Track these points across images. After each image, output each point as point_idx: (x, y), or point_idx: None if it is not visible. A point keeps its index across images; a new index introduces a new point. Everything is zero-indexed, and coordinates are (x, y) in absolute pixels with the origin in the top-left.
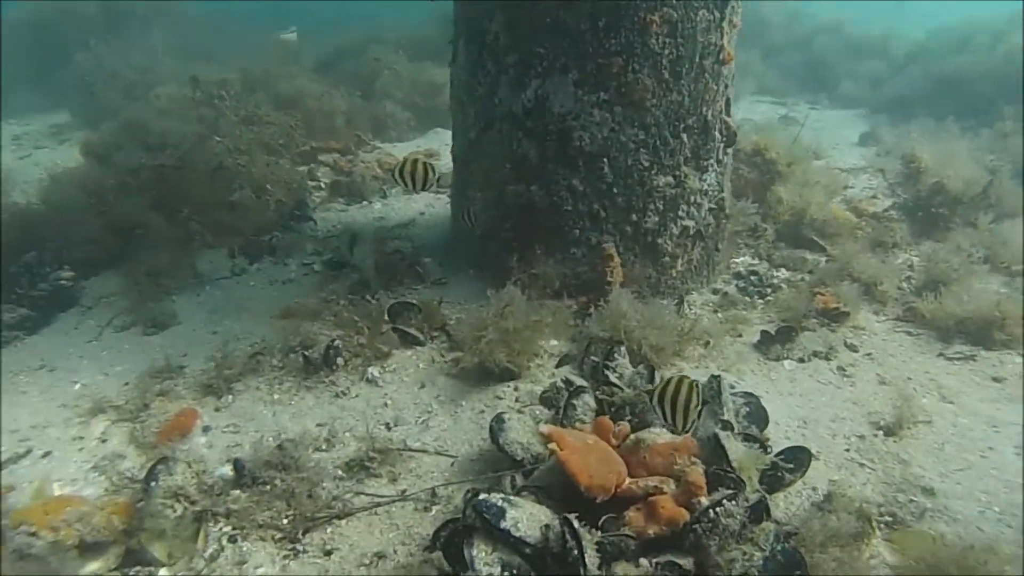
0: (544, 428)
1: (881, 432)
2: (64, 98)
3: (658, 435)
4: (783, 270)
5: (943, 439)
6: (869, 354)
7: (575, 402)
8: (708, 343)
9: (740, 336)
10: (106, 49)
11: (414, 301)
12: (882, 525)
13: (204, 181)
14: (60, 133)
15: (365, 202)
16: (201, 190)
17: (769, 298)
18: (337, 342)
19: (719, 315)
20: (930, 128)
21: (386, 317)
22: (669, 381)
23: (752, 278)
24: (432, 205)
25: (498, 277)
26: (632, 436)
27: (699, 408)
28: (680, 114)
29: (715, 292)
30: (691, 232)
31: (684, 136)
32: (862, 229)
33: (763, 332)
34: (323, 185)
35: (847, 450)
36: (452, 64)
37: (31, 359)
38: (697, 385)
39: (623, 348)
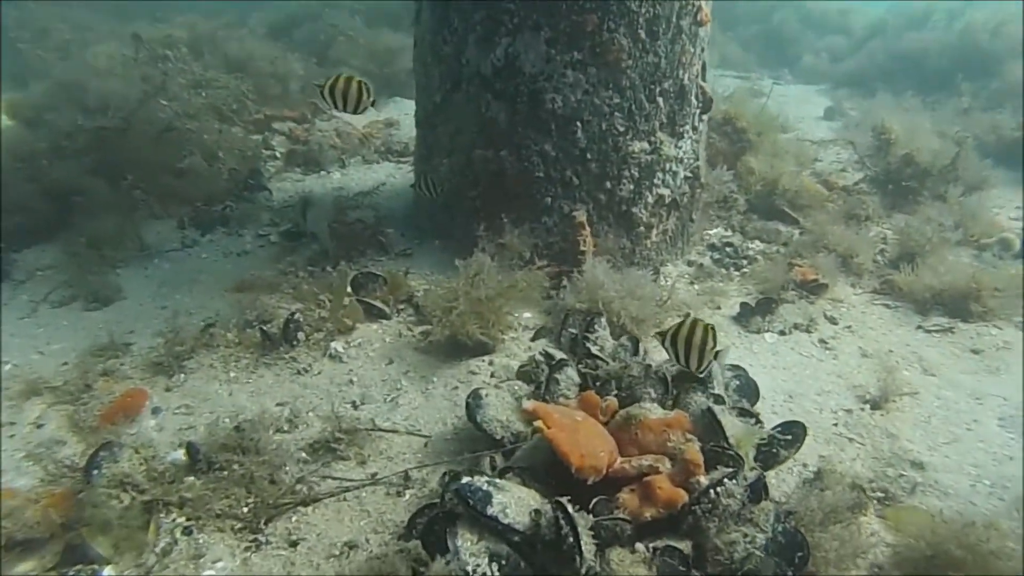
0: (528, 404)
1: (867, 406)
2: None
3: (649, 410)
4: (757, 242)
5: (929, 412)
6: (849, 326)
7: (558, 376)
8: (688, 315)
9: (719, 308)
10: (37, 4)
11: (379, 272)
12: (874, 501)
13: (150, 145)
14: None
15: (323, 172)
16: (147, 155)
17: (745, 270)
18: (297, 315)
19: (695, 287)
20: (891, 103)
21: (349, 289)
22: (682, 323)
23: (727, 250)
24: (393, 175)
25: (466, 247)
26: (621, 412)
27: (715, 350)
28: (656, 77)
29: (690, 264)
30: (666, 201)
31: (660, 100)
32: (833, 202)
33: (743, 304)
34: (279, 155)
35: (835, 424)
36: (415, 23)
37: None
38: (712, 328)
39: (603, 319)
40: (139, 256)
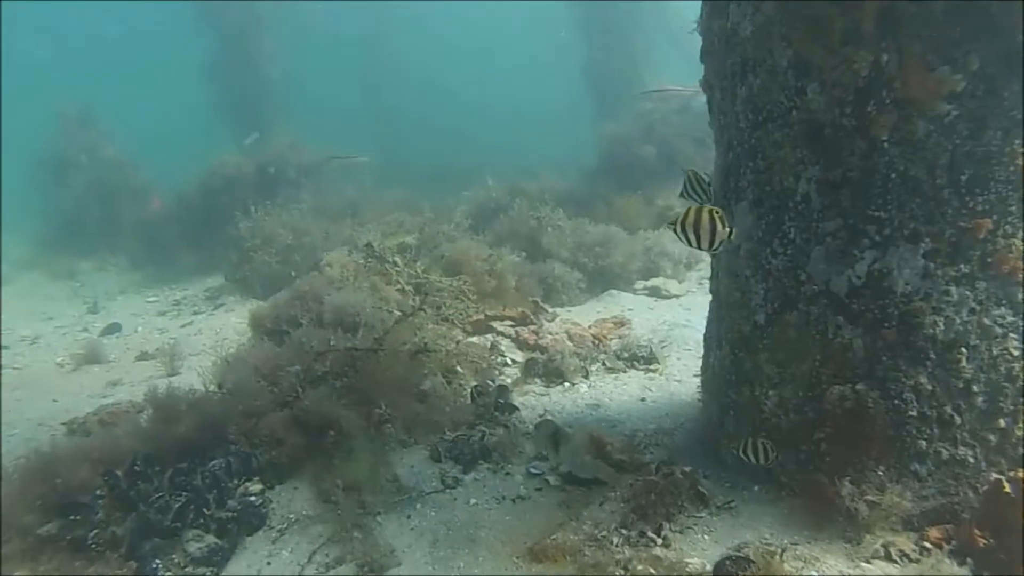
0: None
1: None
2: (218, 260)
3: None
4: None
5: None
6: None
7: None
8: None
9: None
10: (263, 213)
11: (743, 553)
12: None
13: (401, 367)
14: (215, 297)
15: (567, 383)
16: (396, 379)
17: None
18: None
19: None
20: None
21: None
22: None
23: None
24: (648, 389)
25: (808, 498)
26: None
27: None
28: None
29: None
30: None
31: None
32: None
33: None
34: (510, 362)
35: None
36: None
37: None
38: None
39: None
40: (398, 500)
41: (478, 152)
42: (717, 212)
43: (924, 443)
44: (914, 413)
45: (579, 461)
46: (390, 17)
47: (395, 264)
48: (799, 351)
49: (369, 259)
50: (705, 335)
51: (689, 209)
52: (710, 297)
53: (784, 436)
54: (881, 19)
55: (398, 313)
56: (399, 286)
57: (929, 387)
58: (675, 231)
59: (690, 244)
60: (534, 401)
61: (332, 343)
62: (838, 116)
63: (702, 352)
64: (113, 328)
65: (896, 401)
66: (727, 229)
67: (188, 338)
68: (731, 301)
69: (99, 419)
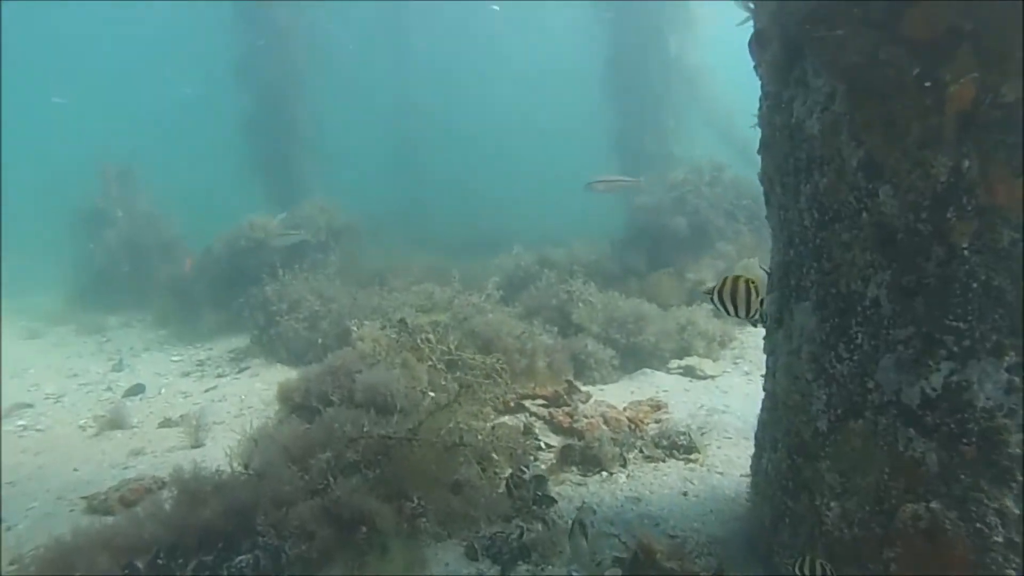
0: None
1: None
2: (243, 320)
3: None
4: None
5: None
6: None
7: None
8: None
9: None
10: (290, 277)
11: None
12: None
13: (436, 458)
14: (240, 359)
15: (605, 472)
16: (430, 469)
17: None
18: None
19: None
20: None
21: None
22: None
23: None
24: (690, 481)
25: None
26: None
27: (760, 299)
28: None
29: None
30: None
31: None
32: None
33: None
34: (544, 446)
35: None
36: (774, 324)
37: None
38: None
39: None
40: None
41: (507, 215)
42: (752, 282)
43: (1013, 574)
44: (999, 539)
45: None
46: (423, 78)
47: (428, 340)
48: (865, 462)
49: (402, 334)
50: (757, 435)
51: (725, 279)
52: (746, 379)
53: (847, 551)
54: (962, 123)
55: (432, 394)
56: (431, 363)
57: (1016, 511)
58: (712, 300)
59: (727, 313)
60: (571, 491)
61: (365, 429)
62: (913, 221)
63: (743, 440)
64: (137, 389)
65: (978, 524)
66: (761, 298)
67: (212, 404)
68: (790, 404)
69: (120, 496)
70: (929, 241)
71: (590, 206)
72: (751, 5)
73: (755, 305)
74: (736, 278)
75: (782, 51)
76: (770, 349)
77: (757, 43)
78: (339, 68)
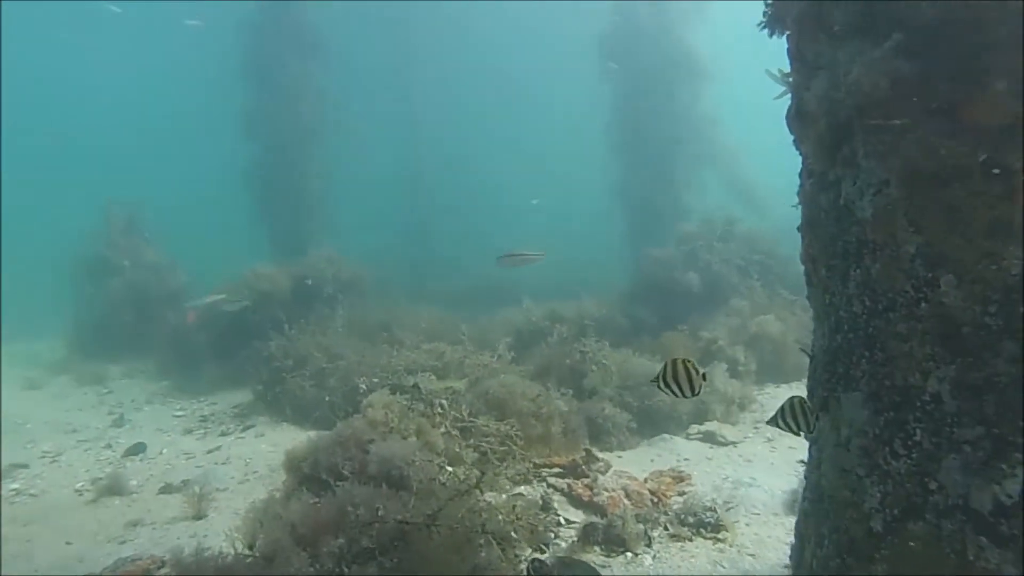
0: None
1: None
2: (247, 375)
3: None
4: None
5: None
6: None
7: None
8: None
9: None
10: (297, 332)
11: None
12: None
13: (456, 544)
14: (244, 415)
15: (629, 554)
16: (449, 556)
17: None
18: None
19: None
20: None
21: None
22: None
23: None
24: (720, 565)
25: None
26: None
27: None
28: None
29: None
30: None
31: None
32: None
33: None
34: (563, 521)
35: None
36: (819, 411)
37: None
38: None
39: None
40: None
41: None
42: (689, 362)
43: None
44: None
45: None
46: (429, 125)
47: (441, 407)
48: (928, 568)
49: (414, 401)
50: (799, 525)
51: (666, 364)
52: (769, 446)
53: None
54: None
55: (449, 468)
56: (444, 430)
57: None
58: (659, 387)
59: (675, 395)
60: None
61: (380, 512)
62: (980, 314)
63: (771, 516)
64: (138, 448)
65: None
66: (701, 374)
67: (216, 468)
68: (838, 499)
69: None
70: (999, 337)
71: (596, 255)
72: (790, 80)
73: (698, 382)
74: (675, 361)
75: (829, 132)
76: (814, 438)
77: (799, 120)
78: (346, 121)
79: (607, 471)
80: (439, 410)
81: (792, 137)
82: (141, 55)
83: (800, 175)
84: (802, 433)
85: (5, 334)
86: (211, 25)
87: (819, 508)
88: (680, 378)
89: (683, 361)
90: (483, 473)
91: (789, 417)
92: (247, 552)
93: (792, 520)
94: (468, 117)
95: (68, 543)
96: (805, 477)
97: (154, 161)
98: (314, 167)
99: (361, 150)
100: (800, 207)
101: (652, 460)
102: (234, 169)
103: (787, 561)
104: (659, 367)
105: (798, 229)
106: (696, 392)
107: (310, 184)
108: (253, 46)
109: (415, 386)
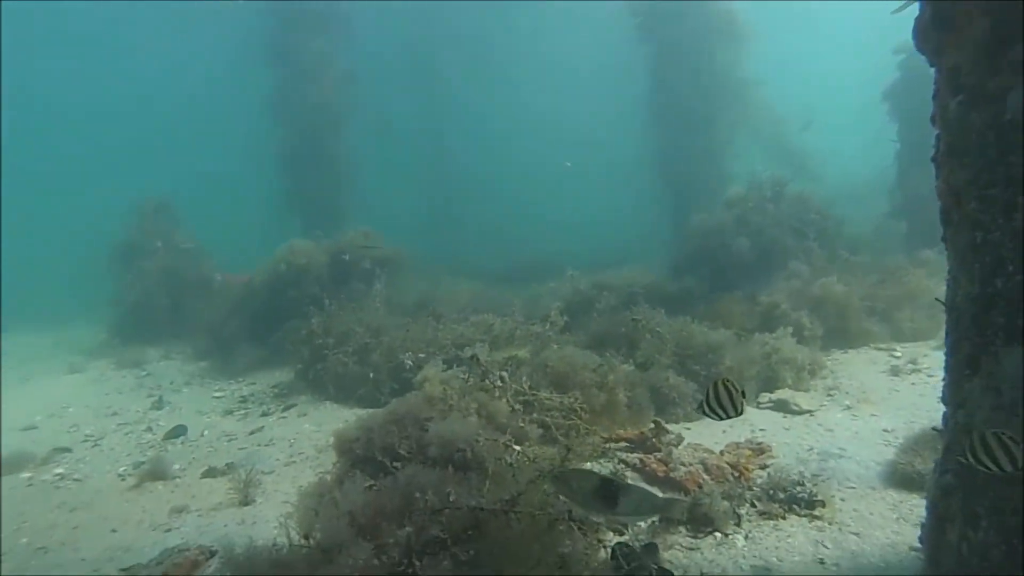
0: None
1: None
2: (286, 354)
3: None
4: None
5: None
6: None
7: None
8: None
9: None
10: (337, 308)
11: None
12: None
13: (538, 532)
14: (285, 395)
15: (718, 534)
16: (531, 546)
17: None
18: None
19: None
20: None
21: None
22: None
23: None
24: (824, 545)
25: None
26: None
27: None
28: None
29: None
30: None
31: None
32: None
33: None
34: None
35: None
36: (966, 371)
37: None
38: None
39: None
40: None
41: (545, 241)
42: (729, 381)
43: None
44: None
45: None
46: (458, 107)
47: (502, 380)
48: None
49: (472, 374)
50: (935, 502)
51: (707, 390)
52: (849, 414)
53: None
54: None
55: (517, 448)
56: (507, 405)
57: None
58: (704, 412)
59: (720, 418)
60: (683, 558)
61: (452, 498)
62: None
63: (869, 491)
64: (178, 431)
65: None
66: (740, 391)
67: (259, 449)
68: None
69: (164, 573)
70: None
71: (630, 227)
72: None
73: (739, 400)
74: (715, 384)
75: (991, 30)
76: (960, 400)
77: (941, 25)
78: (373, 101)
79: (680, 444)
80: (499, 383)
81: (923, 55)
82: (169, 40)
83: (934, 97)
84: (732, 414)
85: (53, 321)
86: (239, 8)
87: (969, 483)
88: (723, 400)
89: (723, 381)
90: (569, 449)
91: (714, 402)
92: (303, 543)
93: (894, 494)
94: (500, 90)
95: (113, 531)
96: (945, 445)
97: (182, 148)
98: (343, 149)
99: (389, 130)
100: (935, 135)
101: (724, 431)
102: (266, 154)
103: (894, 540)
104: (717, 336)
105: (932, 160)
106: (740, 411)
107: (340, 166)
108: (279, 28)
109: (473, 357)
